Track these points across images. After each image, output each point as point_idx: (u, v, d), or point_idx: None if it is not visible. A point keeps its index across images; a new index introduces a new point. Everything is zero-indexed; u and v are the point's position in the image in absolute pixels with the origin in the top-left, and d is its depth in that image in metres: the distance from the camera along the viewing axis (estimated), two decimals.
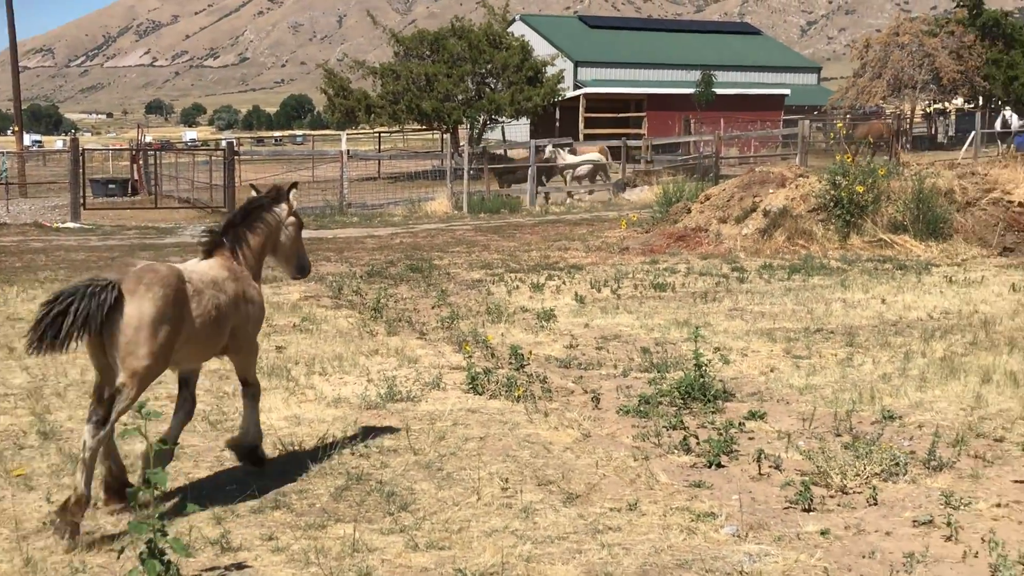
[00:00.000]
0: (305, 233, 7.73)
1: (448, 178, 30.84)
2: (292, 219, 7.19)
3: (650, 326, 11.82)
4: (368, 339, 11.16)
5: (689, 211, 21.19)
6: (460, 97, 48.89)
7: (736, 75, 67.55)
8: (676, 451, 7.18)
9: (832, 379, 9.20)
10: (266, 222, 6.93)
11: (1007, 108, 49.07)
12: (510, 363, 9.67)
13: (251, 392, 6.90)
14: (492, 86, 49.89)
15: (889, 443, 7.03)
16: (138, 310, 5.69)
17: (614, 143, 37.69)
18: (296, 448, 7.38)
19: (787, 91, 64.40)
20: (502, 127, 55.65)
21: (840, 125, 30.29)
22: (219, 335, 6.39)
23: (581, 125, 54.65)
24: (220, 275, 6.45)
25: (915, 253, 17.61)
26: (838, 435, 7.51)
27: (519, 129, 55.69)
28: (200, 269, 6.44)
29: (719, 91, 57.24)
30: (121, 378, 5.71)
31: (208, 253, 6.70)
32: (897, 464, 6.61)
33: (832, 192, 18.64)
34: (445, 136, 50.87)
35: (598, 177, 34.37)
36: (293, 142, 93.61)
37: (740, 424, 7.66)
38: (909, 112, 59.46)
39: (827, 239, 18.44)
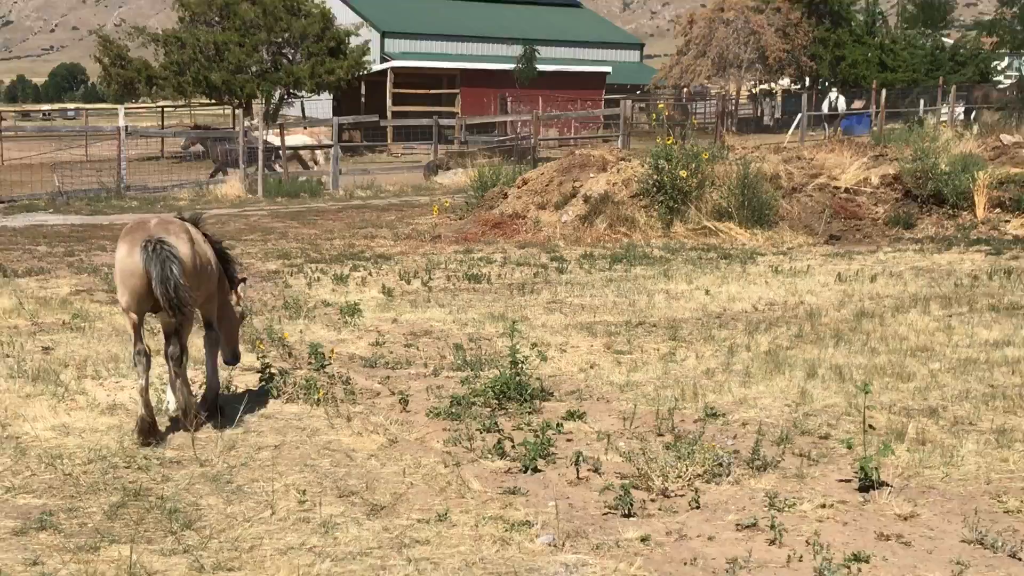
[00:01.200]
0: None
1: (240, 159, 30.27)
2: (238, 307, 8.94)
3: (463, 321, 11.87)
4: (148, 337, 10.85)
5: (506, 196, 21.38)
6: (254, 69, 48.11)
7: (555, 50, 68.44)
8: (490, 456, 7.23)
9: (654, 375, 9.43)
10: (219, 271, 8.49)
11: (834, 89, 51.21)
12: (309, 363, 9.56)
13: (213, 338, 8.36)
14: (290, 57, 49.27)
15: (712, 442, 7.23)
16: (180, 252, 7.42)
17: (425, 122, 37.70)
18: (65, 461, 7.12)
19: (609, 69, 65.66)
20: (301, 103, 54.98)
21: (662, 106, 31.04)
22: (211, 279, 8.09)
23: (389, 101, 54.39)
24: (199, 236, 8.07)
25: (740, 241, 18.20)
26: (660, 435, 7.69)
27: (321, 105, 55.14)
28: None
29: (538, 67, 57.89)
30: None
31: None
32: (720, 464, 6.82)
33: (655, 177, 19.09)
34: (237, 112, 49.94)
35: (312, 162, 34.22)
36: (64, 117, 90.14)
37: (558, 425, 7.76)
38: (734, 92, 61.38)
39: (650, 226, 18.89)
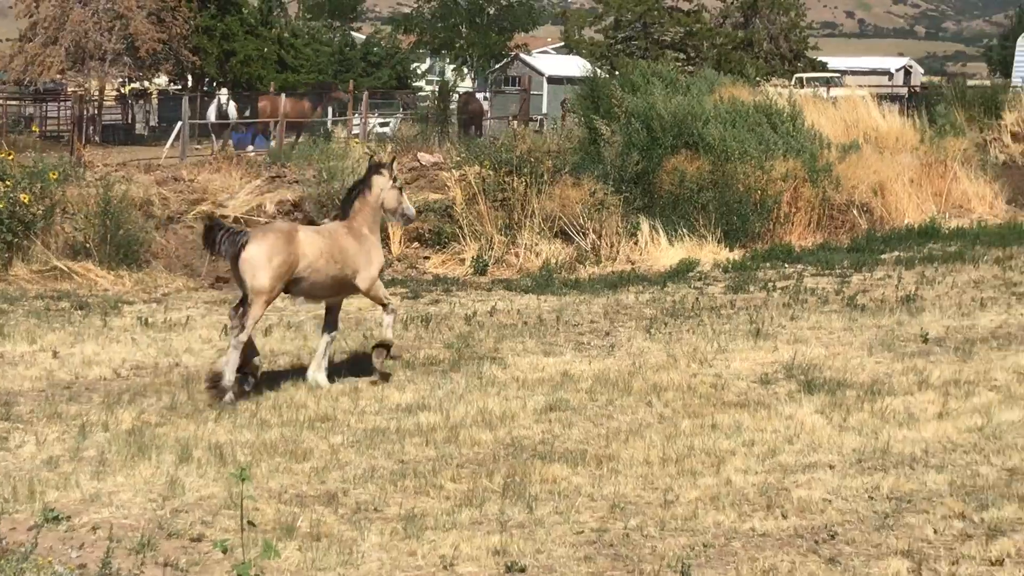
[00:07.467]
0: None
1: None
2: (390, 184, 12.35)
3: None
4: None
5: None
6: None
7: None
8: None
9: None
10: (364, 192, 12.30)
11: (222, 92, 51.78)
12: None
13: (391, 309, 12.31)
14: None
15: (49, 557, 7.04)
16: (256, 249, 11.13)
17: None
18: None
19: None
20: None
21: None
22: (336, 274, 11.72)
23: None
24: (338, 231, 11.91)
25: (102, 286, 18.01)
26: None
27: None
28: (320, 227, 12.61)
29: None
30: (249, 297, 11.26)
31: (334, 219, 12.69)
32: None
33: None
34: None
35: None
36: None
37: None
38: (97, 92, 60.64)
39: None
